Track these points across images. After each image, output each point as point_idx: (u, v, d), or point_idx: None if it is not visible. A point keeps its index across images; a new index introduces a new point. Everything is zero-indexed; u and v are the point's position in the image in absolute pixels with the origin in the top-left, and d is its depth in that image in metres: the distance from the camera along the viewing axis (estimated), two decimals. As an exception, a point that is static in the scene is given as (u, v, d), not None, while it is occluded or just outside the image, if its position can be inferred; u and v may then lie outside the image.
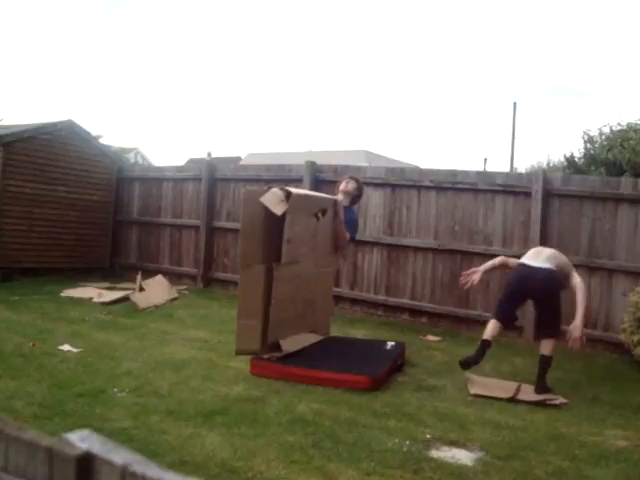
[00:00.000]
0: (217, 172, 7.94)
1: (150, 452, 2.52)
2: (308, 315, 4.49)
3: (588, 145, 11.46)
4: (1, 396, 3.23)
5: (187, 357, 4.31)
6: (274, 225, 3.99)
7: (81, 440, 0.70)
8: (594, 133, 11.71)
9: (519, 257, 5.93)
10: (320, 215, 4.48)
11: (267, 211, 3.94)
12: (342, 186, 4.97)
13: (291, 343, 4.16)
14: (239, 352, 4.07)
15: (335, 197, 4.81)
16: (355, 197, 5.04)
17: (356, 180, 5.04)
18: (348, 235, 4.80)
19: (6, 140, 7.29)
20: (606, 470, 2.78)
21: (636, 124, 10.75)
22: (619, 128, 11.05)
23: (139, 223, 8.66)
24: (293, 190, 4.11)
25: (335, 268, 4.76)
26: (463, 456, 2.82)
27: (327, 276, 4.69)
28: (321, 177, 6.91)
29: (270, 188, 4.09)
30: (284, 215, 3.95)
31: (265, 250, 4.04)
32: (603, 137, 11.30)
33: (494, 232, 5.96)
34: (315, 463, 2.61)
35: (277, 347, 4.07)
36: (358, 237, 6.54)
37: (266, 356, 4.01)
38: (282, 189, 4.04)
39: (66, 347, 4.37)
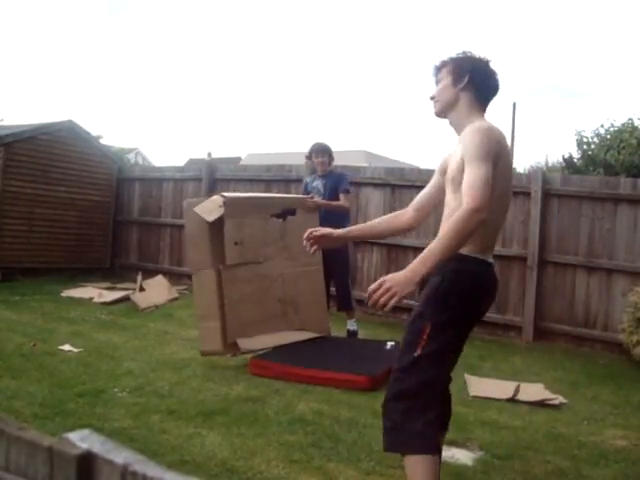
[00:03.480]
0: (217, 172, 7.95)
1: (151, 452, 2.53)
2: (289, 314, 4.53)
3: (585, 147, 11.47)
4: (2, 396, 3.23)
5: (187, 357, 4.32)
6: (222, 230, 4.12)
7: (81, 440, 0.71)
8: (589, 134, 11.72)
9: (521, 258, 5.96)
10: (288, 215, 4.56)
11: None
12: (320, 167, 5.15)
13: (254, 342, 4.23)
14: (204, 353, 4.21)
15: (343, 206, 4.97)
16: (331, 161, 5.19)
17: (322, 153, 5.11)
18: (344, 200, 4.99)
19: (6, 140, 7.30)
20: (605, 470, 2.78)
21: (629, 124, 10.76)
22: (614, 129, 11.06)
23: (139, 223, 8.67)
24: (230, 195, 4.28)
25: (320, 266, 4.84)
26: (463, 456, 2.82)
27: (313, 275, 4.71)
28: (321, 177, 6.91)
29: (210, 197, 4.33)
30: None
31: (216, 255, 4.16)
32: (599, 138, 11.31)
33: (494, 232, 5.97)
34: (315, 463, 2.61)
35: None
36: (358, 237, 6.54)
37: (230, 355, 4.19)
38: (221, 196, 4.20)
39: (67, 347, 4.38)
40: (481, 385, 3.97)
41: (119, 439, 2.55)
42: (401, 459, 2.70)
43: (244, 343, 4.19)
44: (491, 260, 2.04)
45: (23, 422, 0.83)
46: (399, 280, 1.67)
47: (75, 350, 4.35)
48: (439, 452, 1.92)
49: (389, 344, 4.58)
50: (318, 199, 4.88)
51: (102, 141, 10.29)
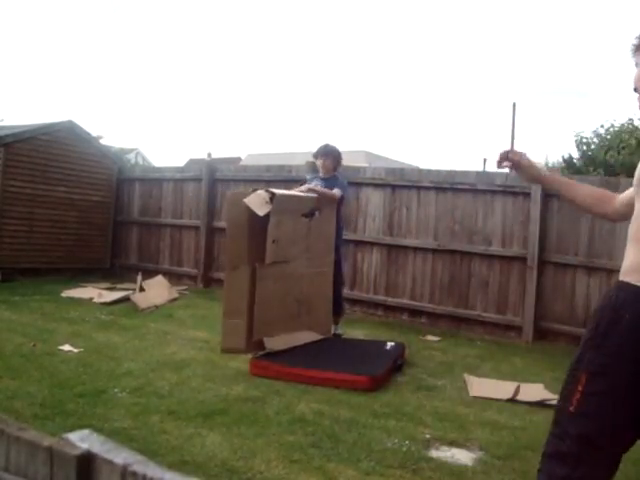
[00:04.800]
0: (217, 173, 7.95)
1: (150, 452, 2.53)
2: (302, 315, 4.53)
3: (584, 147, 11.49)
4: (2, 396, 3.23)
5: (187, 357, 4.32)
6: (260, 226, 4.07)
7: (81, 440, 0.71)
8: (588, 134, 11.73)
9: (522, 258, 5.97)
10: (315, 214, 4.55)
11: (252, 212, 4.03)
12: (322, 169, 5.02)
13: (277, 341, 4.22)
14: (225, 350, 4.16)
15: (334, 195, 4.84)
16: (336, 166, 5.08)
17: (326, 155, 5.00)
18: (337, 192, 4.81)
19: (6, 141, 7.30)
20: (605, 470, 2.78)
21: (629, 124, 10.76)
22: (614, 129, 11.07)
23: (139, 223, 8.67)
24: (277, 191, 4.19)
25: (332, 267, 4.83)
26: (463, 456, 2.82)
27: (324, 276, 4.72)
28: (321, 177, 6.91)
29: (255, 190, 4.18)
30: (269, 216, 4.04)
31: (252, 251, 4.12)
32: (599, 138, 11.32)
33: (493, 232, 5.97)
34: (315, 463, 2.61)
35: (263, 345, 4.17)
36: (358, 237, 6.58)
37: (252, 354, 4.11)
38: (267, 191, 4.13)
39: (66, 347, 4.38)
40: (481, 385, 3.97)
41: (119, 439, 2.54)
42: (400, 459, 2.71)
43: (269, 342, 4.16)
44: None
45: (23, 422, 0.83)
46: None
47: (75, 350, 4.34)
48: None
49: (389, 344, 4.58)
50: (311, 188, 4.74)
51: (102, 141, 10.27)
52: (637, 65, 1.60)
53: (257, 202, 4.05)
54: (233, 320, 4.08)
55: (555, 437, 1.62)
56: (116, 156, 9.53)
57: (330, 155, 5.02)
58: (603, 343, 1.50)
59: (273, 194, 4.07)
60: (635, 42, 1.60)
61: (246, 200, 4.05)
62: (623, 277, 1.53)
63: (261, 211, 4.01)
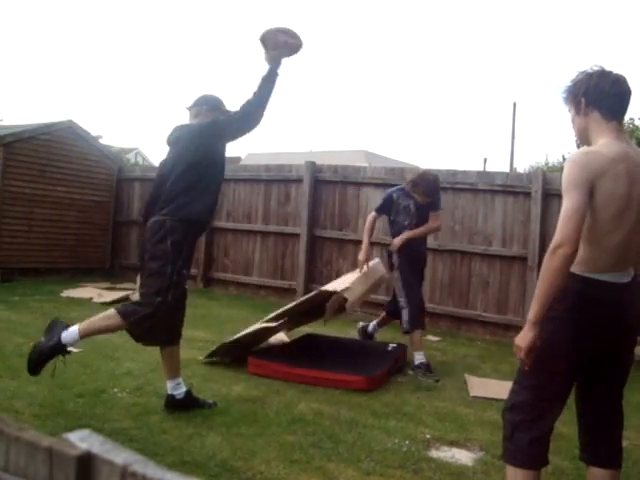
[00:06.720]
0: (217, 172, 7.94)
1: (150, 452, 2.52)
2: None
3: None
4: (1, 396, 3.23)
5: (187, 357, 4.30)
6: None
7: (81, 440, 0.70)
8: None
9: (521, 258, 5.95)
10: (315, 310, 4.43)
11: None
12: (422, 200, 4.62)
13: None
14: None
15: (435, 228, 4.76)
16: (430, 194, 4.66)
17: (414, 185, 4.58)
18: (433, 220, 4.66)
19: (6, 140, 7.30)
20: (606, 470, 2.77)
21: (629, 124, 10.74)
22: None
23: (139, 223, 8.65)
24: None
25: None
26: (463, 456, 2.82)
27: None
28: (321, 177, 6.92)
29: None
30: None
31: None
32: None
33: (494, 232, 5.97)
34: (315, 463, 2.61)
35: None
36: (358, 237, 6.56)
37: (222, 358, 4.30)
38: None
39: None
40: (481, 385, 3.97)
41: (119, 439, 2.54)
42: (401, 459, 2.70)
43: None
44: (612, 280, 1.90)
45: (23, 422, 0.83)
46: (520, 336, 1.91)
47: (75, 350, 4.32)
48: (542, 466, 1.99)
49: (391, 346, 4.58)
50: (397, 240, 4.51)
51: (102, 141, 10.29)
52: (569, 110, 2.04)
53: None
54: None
55: (512, 392, 2.11)
56: (116, 156, 9.53)
57: (432, 194, 4.62)
58: (556, 318, 1.89)
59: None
60: (563, 95, 2.04)
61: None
62: (571, 269, 1.89)
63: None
